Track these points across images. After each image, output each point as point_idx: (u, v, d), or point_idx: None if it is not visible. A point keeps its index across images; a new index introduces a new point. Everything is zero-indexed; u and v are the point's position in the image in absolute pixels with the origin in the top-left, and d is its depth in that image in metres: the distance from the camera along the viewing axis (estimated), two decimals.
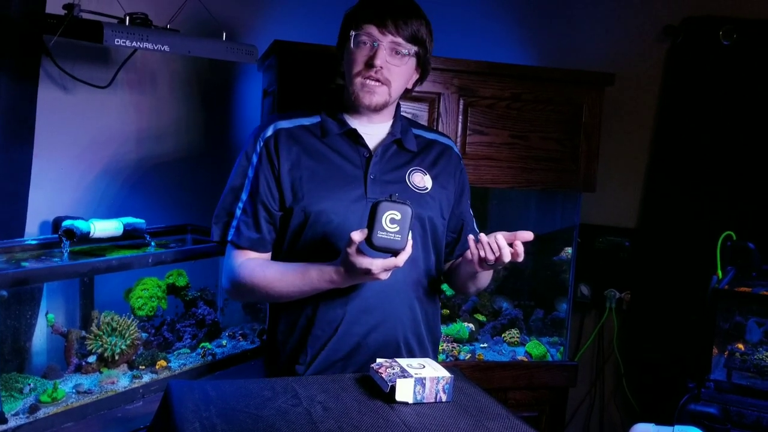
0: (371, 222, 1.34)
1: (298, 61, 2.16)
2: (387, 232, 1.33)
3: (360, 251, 1.37)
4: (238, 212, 1.61)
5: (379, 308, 1.58)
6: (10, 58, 2.01)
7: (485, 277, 1.72)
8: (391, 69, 1.57)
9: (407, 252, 1.38)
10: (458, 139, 2.34)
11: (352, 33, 1.56)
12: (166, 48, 2.01)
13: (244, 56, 2.24)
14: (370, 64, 1.55)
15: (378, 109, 1.61)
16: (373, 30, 1.55)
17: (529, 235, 1.48)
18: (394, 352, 1.59)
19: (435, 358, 1.71)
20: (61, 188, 2.29)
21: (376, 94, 1.57)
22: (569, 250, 2.65)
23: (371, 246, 1.34)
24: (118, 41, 1.89)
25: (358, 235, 1.36)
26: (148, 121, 2.52)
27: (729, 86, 2.72)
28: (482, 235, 1.50)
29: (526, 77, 2.39)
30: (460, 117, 2.35)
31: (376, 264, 1.37)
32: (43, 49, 2.11)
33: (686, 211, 2.80)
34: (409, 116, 2.26)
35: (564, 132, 2.44)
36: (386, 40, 1.55)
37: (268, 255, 1.64)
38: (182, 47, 2.07)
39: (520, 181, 2.42)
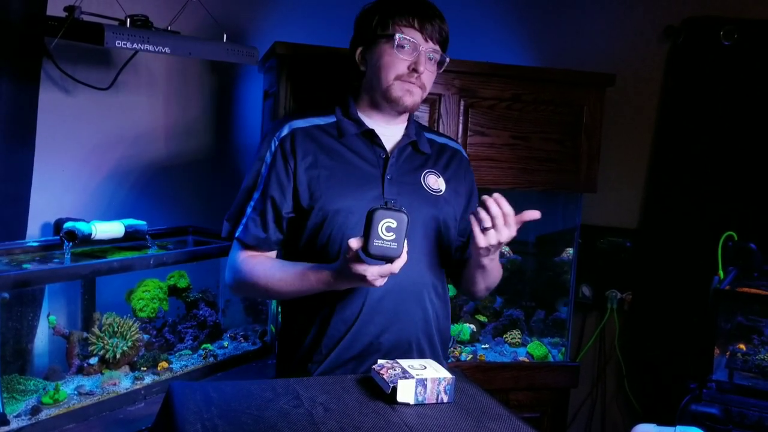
0: (367, 230, 1.33)
1: (298, 63, 2.17)
2: (383, 240, 1.33)
3: (357, 257, 1.37)
4: (249, 210, 1.63)
5: (392, 309, 1.58)
6: (11, 61, 2.02)
7: (493, 271, 1.67)
8: (427, 75, 1.61)
9: (403, 259, 1.37)
10: (459, 141, 2.34)
11: (397, 37, 1.57)
12: (167, 50, 2.01)
13: (244, 58, 2.24)
14: (414, 69, 1.57)
15: (413, 109, 1.64)
16: (417, 35, 1.57)
17: (536, 214, 1.48)
18: (405, 353, 1.59)
19: (445, 359, 1.71)
20: (62, 190, 2.29)
21: (414, 94, 1.61)
22: (570, 250, 2.65)
23: (367, 254, 1.33)
24: (119, 43, 1.89)
25: (355, 243, 1.35)
26: (148, 122, 2.52)
27: (730, 86, 2.73)
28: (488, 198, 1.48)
29: (527, 78, 2.40)
30: (461, 118, 2.35)
31: (371, 271, 1.37)
32: (44, 51, 2.11)
33: (687, 211, 2.80)
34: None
35: (565, 133, 2.44)
36: (427, 47, 1.58)
37: (272, 254, 1.66)
38: (183, 49, 2.07)
39: (521, 182, 2.43)
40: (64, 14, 2.00)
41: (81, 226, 1.93)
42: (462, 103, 2.34)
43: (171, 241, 2.23)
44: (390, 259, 1.35)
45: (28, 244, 1.95)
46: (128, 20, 2.02)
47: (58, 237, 1.94)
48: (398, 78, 1.58)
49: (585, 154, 2.46)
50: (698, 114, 2.79)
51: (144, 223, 2.11)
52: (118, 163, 2.45)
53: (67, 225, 1.93)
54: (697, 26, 2.77)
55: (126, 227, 2.05)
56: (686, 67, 2.81)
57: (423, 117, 2.30)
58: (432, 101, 2.31)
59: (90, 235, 1.94)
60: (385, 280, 1.41)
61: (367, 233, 1.33)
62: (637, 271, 2.92)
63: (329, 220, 1.57)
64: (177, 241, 2.28)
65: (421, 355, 1.62)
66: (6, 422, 1.63)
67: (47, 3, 2.08)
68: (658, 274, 2.86)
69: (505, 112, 2.39)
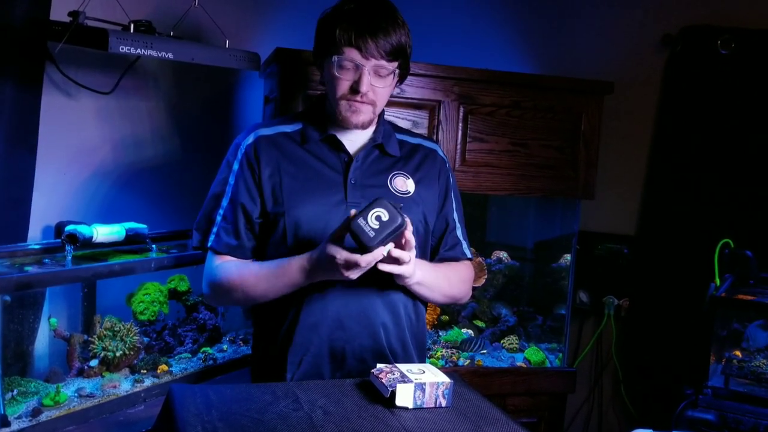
0: (363, 209, 1.38)
1: (299, 69, 2.18)
2: (367, 223, 1.37)
3: (340, 236, 1.41)
4: (218, 219, 1.63)
5: (361, 313, 1.58)
6: (14, 65, 2.03)
7: (434, 283, 1.63)
8: (376, 90, 1.56)
9: (373, 256, 1.39)
10: (458, 147, 2.36)
11: (335, 58, 1.53)
12: (170, 55, 2.02)
13: (246, 63, 2.26)
14: (355, 89, 1.54)
15: (365, 126, 1.62)
16: (356, 55, 1.51)
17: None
18: (378, 358, 1.59)
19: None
20: (63, 193, 2.31)
21: (362, 113, 1.57)
22: (568, 257, 2.67)
23: (349, 225, 1.38)
24: (123, 48, 1.91)
25: (353, 212, 1.40)
26: (150, 126, 2.54)
27: (727, 95, 2.74)
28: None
29: (526, 85, 2.42)
30: (461, 124, 2.36)
31: (341, 254, 1.40)
32: (47, 56, 2.13)
33: (684, 218, 2.82)
34: (410, 123, 2.30)
35: (563, 140, 2.46)
36: (369, 65, 1.53)
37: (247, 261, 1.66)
38: (186, 54, 2.08)
39: (520, 188, 2.44)
40: (67, 19, 2.01)
41: (82, 229, 1.94)
42: (461, 109, 2.36)
43: (171, 245, 2.24)
44: (361, 246, 1.37)
45: (30, 247, 1.96)
46: (132, 25, 2.03)
47: (60, 240, 1.95)
48: (342, 98, 1.56)
49: (583, 160, 2.48)
50: (695, 122, 2.80)
51: (145, 226, 2.12)
52: (120, 167, 2.46)
53: (69, 228, 1.94)
54: (694, 35, 2.79)
55: (127, 230, 2.06)
56: (684, 76, 2.83)
57: (423, 124, 2.32)
58: (431, 108, 2.33)
59: (91, 238, 1.95)
60: (357, 274, 1.43)
61: (361, 211, 1.37)
62: (634, 277, 2.94)
63: (293, 226, 1.57)
64: (177, 244, 2.29)
65: (395, 360, 1.61)
66: (7, 423, 1.64)
67: (50, 8, 2.09)
68: (655, 280, 2.87)
69: (504, 119, 2.40)
